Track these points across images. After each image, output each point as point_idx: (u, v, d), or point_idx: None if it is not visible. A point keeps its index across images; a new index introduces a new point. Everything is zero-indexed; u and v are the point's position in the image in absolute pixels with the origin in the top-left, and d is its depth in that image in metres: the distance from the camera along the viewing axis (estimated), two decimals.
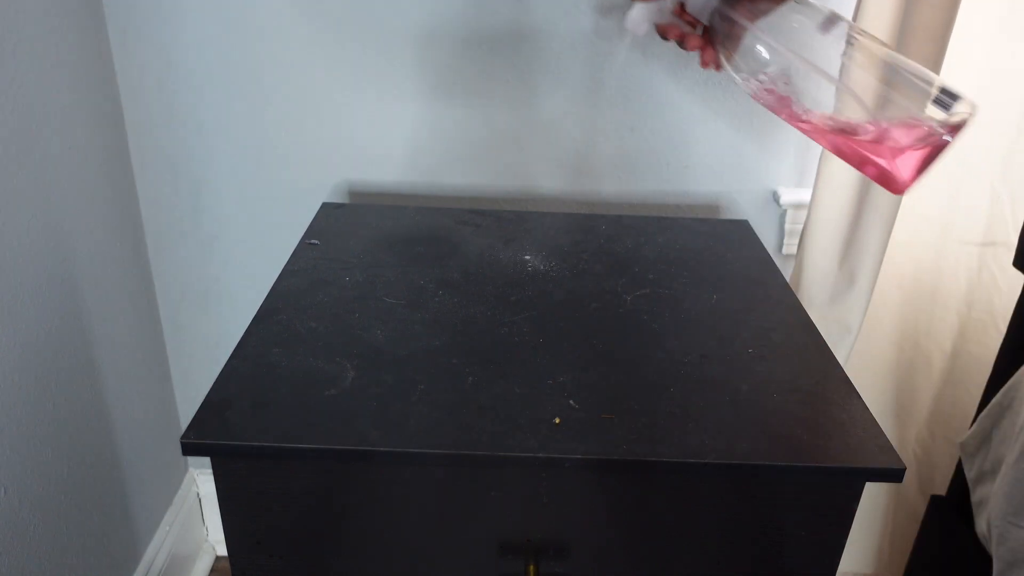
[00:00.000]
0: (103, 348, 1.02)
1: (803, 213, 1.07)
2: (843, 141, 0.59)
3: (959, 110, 0.55)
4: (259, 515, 0.62)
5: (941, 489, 1.13)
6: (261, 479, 0.60)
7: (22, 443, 0.86)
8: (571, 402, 0.62)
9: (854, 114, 0.58)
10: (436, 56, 1.02)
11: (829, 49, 0.59)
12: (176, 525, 1.25)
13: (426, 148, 1.08)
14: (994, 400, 0.92)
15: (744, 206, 1.12)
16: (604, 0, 0.99)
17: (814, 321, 0.76)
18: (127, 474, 1.10)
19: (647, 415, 0.61)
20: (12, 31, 0.81)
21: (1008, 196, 1.04)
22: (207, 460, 0.61)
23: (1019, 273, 0.96)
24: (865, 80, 0.59)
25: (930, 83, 0.57)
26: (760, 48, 0.60)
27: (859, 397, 0.65)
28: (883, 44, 0.62)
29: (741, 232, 0.97)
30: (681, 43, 0.65)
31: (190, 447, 0.57)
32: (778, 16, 0.59)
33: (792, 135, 1.06)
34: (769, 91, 0.61)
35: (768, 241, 1.13)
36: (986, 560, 0.89)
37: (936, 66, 0.88)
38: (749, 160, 1.08)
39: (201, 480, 1.33)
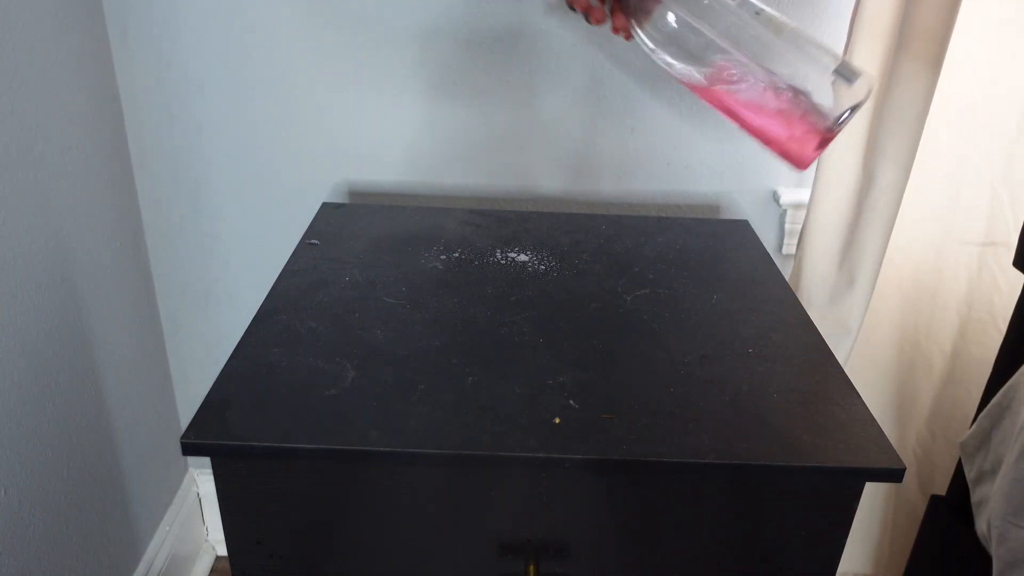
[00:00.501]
0: (103, 348, 1.02)
1: (803, 213, 1.07)
2: (754, 109, 0.61)
3: (859, 85, 0.57)
4: (259, 515, 0.62)
5: (941, 489, 1.13)
6: (261, 479, 0.60)
7: (22, 443, 0.86)
8: (571, 402, 0.62)
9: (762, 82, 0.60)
10: (436, 56, 1.02)
11: (739, 22, 0.61)
12: (176, 525, 1.25)
13: (426, 148, 1.08)
14: (994, 400, 0.92)
15: (744, 206, 1.12)
16: None
17: (814, 321, 0.76)
18: (127, 474, 1.10)
19: (647, 415, 0.61)
20: (12, 31, 0.81)
21: (1008, 196, 1.04)
22: (207, 460, 0.61)
23: (1019, 273, 0.96)
24: (773, 49, 0.61)
25: (836, 58, 0.59)
26: (671, 18, 0.62)
27: (859, 397, 0.65)
28: (788, 20, 0.63)
29: (741, 232, 0.97)
30: (587, 16, 0.67)
31: (190, 447, 0.57)
32: None
33: None
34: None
35: (768, 241, 1.13)
36: (986, 560, 0.89)
37: (936, 66, 0.88)
38: (749, 160, 1.08)
39: (201, 480, 1.33)
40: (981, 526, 0.93)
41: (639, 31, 0.65)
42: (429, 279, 0.80)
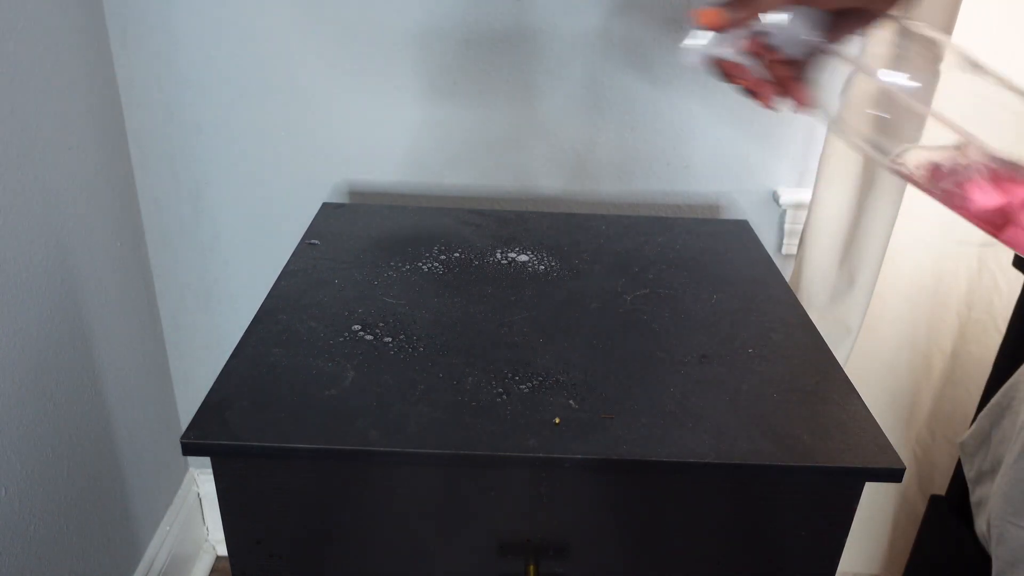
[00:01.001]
0: (103, 348, 1.02)
1: (803, 213, 1.07)
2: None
3: None
4: (259, 515, 0.62)
5: (941, 489, 1.13)
6: (261, 479, 0.60)
7: (22, 443, 0.86)
8: (571, 402, 0.62)
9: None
10: (436, 56, 1.02)
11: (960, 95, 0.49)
12: (176, 525, 1.25)
13: (426, 148, 1.08)
14: (993, 400, 0.92)
15: (744, 206, 1.12)
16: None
17: (814, 321, 0.76)
18: (127, 474, 1.10)
19: (647, 415, 0.61)
20: (12, 31, 0.81)
21: None
22: (207, 460, 0.61)
23: (1019, 273, 0.96)
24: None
25: None
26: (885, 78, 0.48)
27: (859, 397, 0.65)
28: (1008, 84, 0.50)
29: (741, 232, 0.97)
30: (755, 90, 0.52)
31: (190, 447, 0.57)
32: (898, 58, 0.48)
33: (792, 135, 1.06)
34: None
35: (768, 241, 1.13)
36: (986, 560, 0.89)
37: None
38: (749, 160, 1.08)
39: (201, 480, 1.33)
40: (981, 526, 0.93)
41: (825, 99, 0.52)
42: (429, 279, 0.80)
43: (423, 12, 1.00)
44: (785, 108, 0.53)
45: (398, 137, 1.07)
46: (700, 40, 0.52)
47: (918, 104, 0.48)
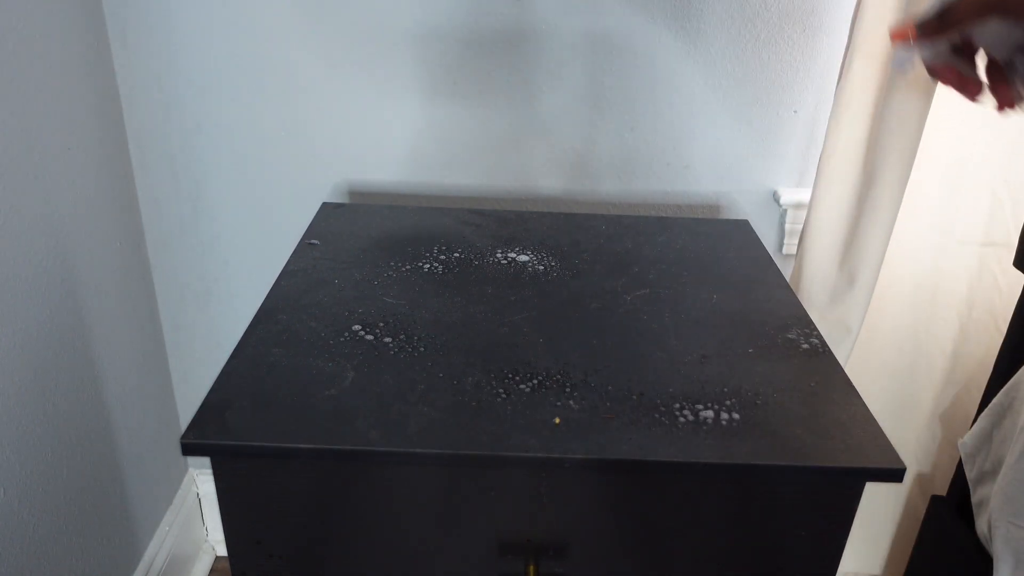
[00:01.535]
0: (103, 348, 1.02)
1: (803, 213, 1.07)
2: None
3: None
4: (259, 515, 0.62)
5: (942, 489, 1.13)
6: (261, 479, 0.60)
7: (22, 443, 0.86)
8: (571, 402, 0.62)
9: None
10: (436, 56, 1.02)
11: None
12: (176, 525, 1.25)
13: (426, 148, 1.08)
14: (994, 400, 0.92)
15: (744, 206, 1.12)
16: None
17: (814, 321, 0.76)
18: (127, 474, 1.10)
19: (647, 415, 0.61)
20: (12, 31, 0.81)
21: (1008, 196, 1.04)
22: (207, 460, 0.61)
23: (1019, 273, 0.96)
24: None
25: None
26: None
27: (859, 397, 0.64)
28: None
29: (741, 232, 0.97)
30: (960, 88, 0.54)
31: (190, 447, 0.57)
32: None
33: (792, 135, 1.06)
34: None
35: (768, 241, 1.13)
36: (986, 560, 0.89)
37: None
38: (749, 160, 1.08)
39: (201, 480, 1.33)
40: (982, 526, 0.93)
41: None
42: (429, 279, 0.80)
43: (423, 12, 1.00)
44: (988, 106, 0.54)
45: (398, 137, 1.07)
46: (903, 52, 0.54)
47: None
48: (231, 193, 1.11)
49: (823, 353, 0.71)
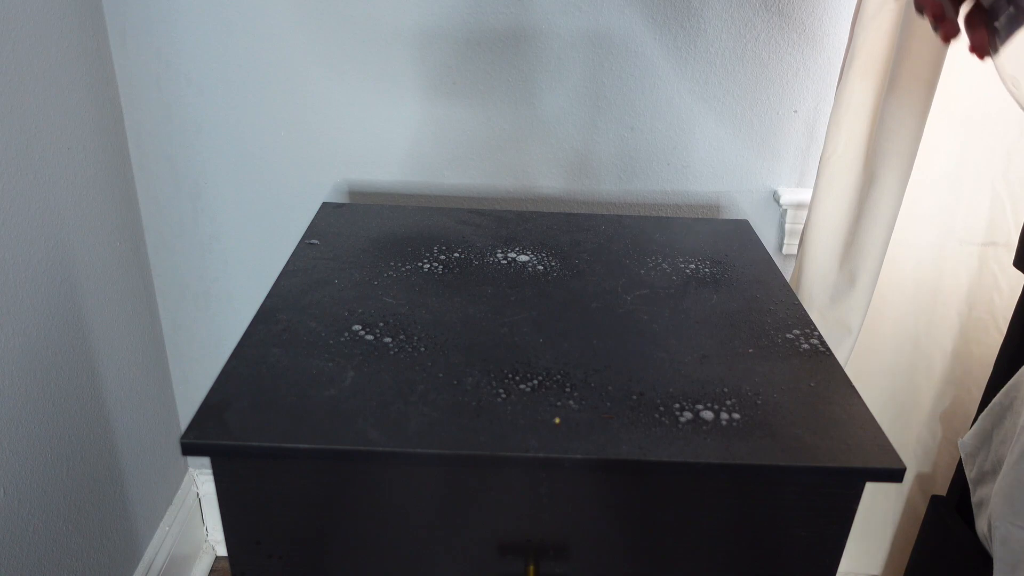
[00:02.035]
0: (103, 348, 1.02)
1: (803, 213, 1.07)
2: None
3: None
4: (259, 515, 0.62)
5: (942, 489, 1.13)
6: (261, 479, 0.60)
7: (22, 443, 0.86)
8: (571, 402, 0.62)
9: None
10: (436, 56, 1.02)
11: None
12: (176, 525, 1.25)
13: (426, 148, 1.08)
14: (995, 400, 0.92)
15: (744, 206, 1.12)
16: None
17: (814, 321, 0.76)
18: (127, 474, 1.10)
19: (647, 415, 0.61)
20: (12, 31, 0.81)
21: (1008, 196, 1.04)
22: (207, 460, 0.61)
23: (1019, 273, 0.96)
24: None
25: None
26: None
27: (859, 397, 0.64)
28: None
29: (741, 232, 0.97)
30: (935, 26, 0.56)
31: (190, 447, 0.57)
32: None
33: (792, 135, 1.06)
34: None
35: (768, 241, 1.13)
36: (986, 560, 0.89)
37: (937, 65, 0.88)
38: (749, 160, 1.08)
39: (201, 480, 1.33)
40: (982, 526, 0.93)
41: (1005, 54, 0.53)
42: (429, 279, 0.80)
43: (423, 12, 1.00)
44: (960, 46, 0.55)
45: (398, 137, 1.07)
46: None
47: None
48: (231, 193, 1.11)
49: (823, 353, 0.71)
